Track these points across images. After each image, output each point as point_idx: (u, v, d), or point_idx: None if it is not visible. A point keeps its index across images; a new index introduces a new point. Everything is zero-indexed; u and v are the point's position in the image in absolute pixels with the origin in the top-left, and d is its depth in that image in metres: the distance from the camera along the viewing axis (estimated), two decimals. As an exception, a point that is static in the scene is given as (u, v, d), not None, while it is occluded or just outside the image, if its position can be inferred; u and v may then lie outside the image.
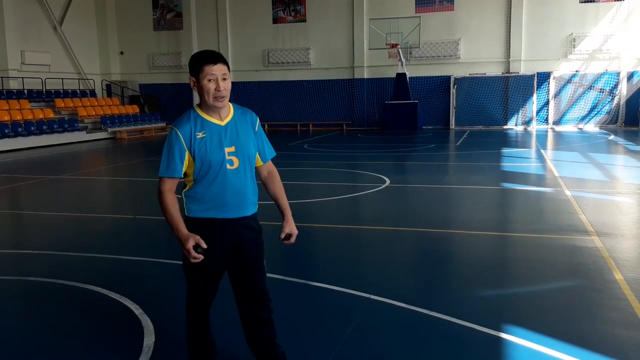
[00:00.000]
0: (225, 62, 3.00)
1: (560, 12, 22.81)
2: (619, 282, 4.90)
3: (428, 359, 3.62)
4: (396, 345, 3.81)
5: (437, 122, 24.47)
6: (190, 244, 2.87)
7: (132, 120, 24.81)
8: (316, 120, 25.77)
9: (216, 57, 2.97)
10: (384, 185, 10.01)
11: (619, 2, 22.11)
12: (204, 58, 2.97)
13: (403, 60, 23.33)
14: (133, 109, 26.13)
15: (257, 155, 3.19)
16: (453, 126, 24.08)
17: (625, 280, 4.92)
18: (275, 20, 26.44)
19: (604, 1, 22.33)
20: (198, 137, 2.98)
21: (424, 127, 23.95)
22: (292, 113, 26.01)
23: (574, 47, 22.82)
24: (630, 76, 22.49)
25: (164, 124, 26.39)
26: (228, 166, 3.01)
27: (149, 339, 3.91)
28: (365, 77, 25.31)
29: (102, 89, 27.98)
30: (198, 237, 2.90)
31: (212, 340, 3.40)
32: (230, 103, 3.10)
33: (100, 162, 16.27)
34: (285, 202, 3.27)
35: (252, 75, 26.66)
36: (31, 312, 4.59)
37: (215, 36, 26.97)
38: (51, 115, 21.54)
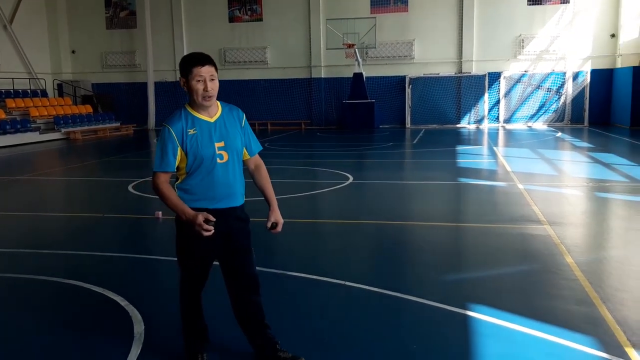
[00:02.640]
0: (213, 64, 3.23)
1: (509, 14, 23.71)
2: (570, 265, 5.35)
3: (405, 336, 3.92)
4: (375, 326, 4.11)
5: (393, 121, 25.03)
6: (201, 219, 3.07)
7: (85, 121, 24.37)
8: (274, 119, 25.93)
9: (204, 59, 3.19)
10: (347, 182, 10.34)
11: (565, 4, 23.17)
12: (193, 60, 3.18)
13: (360, 60, 23.77)
14: (86, 109, 25.66)
15: (245, 150, 3.42)
16: (409, 125, 24.68)
17: (575, 263, 5.38)
18: (231, 19, 26.46)
19: (550, 3, 23.35)
20: (189, 133, 3.20)
21: (380, 126, 24.47)
22: (250, 112, 25.99)
23: (523, 48, 23.77)
24: (575, 76, 23.58)
25: (119, 124, 26.05)
26: (218, 160, 3.23)
27: (139, 327, 4.09)
28: (323, 76, 25.64)
29: (54, 88, 27.35)
30: (205, 213, 3.11)
31: (205, 325, 3.60)
32: (217, 101, 3.32)
33: (57, 162, 16.00)
34: (271, 193, 3.51)
35: (209, 75, 26.56)
36: (17, 307, 4.68)
37: (170, 35, 26.78)
38: (2, 116, 20.97)
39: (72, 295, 4.89)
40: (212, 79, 3.19)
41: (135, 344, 3.83)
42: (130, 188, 10.10)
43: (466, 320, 4.14)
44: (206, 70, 3.16)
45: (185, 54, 23.47)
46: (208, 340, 3.61)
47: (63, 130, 22.70)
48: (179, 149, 3.19)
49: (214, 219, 3.10)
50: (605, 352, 3.56)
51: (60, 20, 27.52)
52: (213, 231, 3.11)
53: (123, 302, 4.59)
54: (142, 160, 15.80)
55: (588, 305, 4.35)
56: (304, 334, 3.98)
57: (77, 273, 5.39)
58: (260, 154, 3.52)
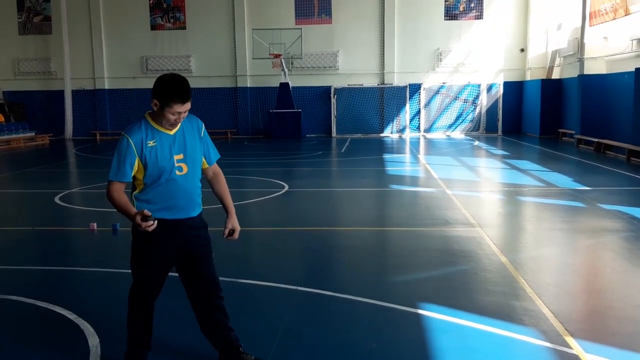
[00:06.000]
0: (191, 97, 3.19)
1: (427, 28, 24.74)
2: (504, 264, 5.73)
3: (362, 336, 4.08)
4: (331, 327, 4.25)
5: (319, 130, 25.38)
6: (138, 219, 3.06)
7: (-4, 130, 22.99)
8: (199, 128, 25.51)
9: (185, 96, 3.14)
10: (284, 190, 10.45)
11: (479, 20, 24.48)
12: (175, 95, 3.10)
13: (286, 70, 23.96)
14: (-3, 118, 24.22)
15: (204, 159, 3.47)
16: (334, 134, 25.11)
17: (509, 262, 5.76)
18: (154, 27, 25.92)
19: (465, 19, 24.59)
20: (149, 145, 3.21)
21: (307, 135, 24.74)
22: (174, 121, 25.54)
23: (441, 61, 24.85)
24: (489, 88, 24.93)
25: (33, 134, 24.75)
26: (177, 172, 3.27)
27: (93, 340, 4.00)
28: (249, 85, 25.61)
29: (-40, 96, 25.67)
30: (142, 210, 3.11)
31: (150, 333, 3.57)
32: None
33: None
34: (229, 201, 3.58)
35: (129, 82, 25.92)
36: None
37: (89, 41, 25.85)
38: None
39: (16, 311, 4.68)
40: (186, 112, 3.22)
41: (92, 357, 3.75)
42: (57, 200, 9.70)
43: (417, 318, 4.36)
44: (185, 107, 3.17)
45: (105, 61, 22.67)
46: (150, 348, 3.59)
47: (-28, 140, 21.31)
48: (137, 160, 3.19)
49: (150, 213, 3.07)
50: (547, 342, 3.87)
51: (-34, 24, 25.91)
52: (155, 223, 3.08)
53: (71, 315, 4.46)
54: (64, 171, 15.17)
55: (526, 300, 4.69)
56: (265, 338, 4.04)
57: (17, 288, 5.16)
58: None
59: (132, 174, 3.22)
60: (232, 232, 3.53)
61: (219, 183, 3.58)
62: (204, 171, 3.50)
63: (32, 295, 4.91)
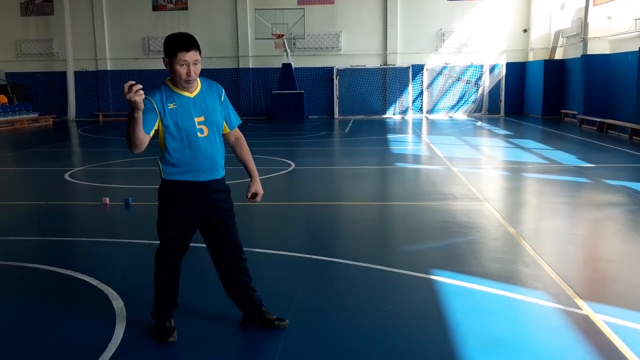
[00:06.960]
0: (198, 48, 3.27)
1: (430, 8, 24.65)
2: (512, 234, 5.86)
3: (378, 299, 4.22)
4: (348, 293, 4.38)
5: (321, 111, 25.41)
6: (125, 90, 2.97)
7: (0, 111, 23.02)
8: (202, 110, 25.53)
9: (190, 44, 3.23)
10: (291, 168, 10.55)
11: (481, 0, 24.37)
12: (179, 44, 3.21)
13: (288, 50, 23.92)
14: (0, 99, 24.22)
15: (225, 123, 3.56)
16: (337, 115, 25.14)
17: (517, 232, 5.89)
18: (155, 7, 25.83)
19: (468, -1, 24.53)
20: (170, 107, 3.30)
21: (310, 116, 24.77)
22: (177, 103, 25.54)
23: (443, 42, 24.80)
24: (492, 69, 24.91)
25: (36, 115, 24.79)
26: (199, 134, 3.36)
27: (118, 303, 4.13)
28: (251, 66, 25.59)
29: (-38, 77, 25.65)
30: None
31: (176, 293, 3.67)
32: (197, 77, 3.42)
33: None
34: (252, 165, 3.68)
35: (131, 64, 25.88)
36: (-20, 290, 4.56)
37: (90, 22, 25.77)
38: None
39: (39, 278, 4.81)
40: (196, 63, 3.26)
41: (118, 318, 3.88)
42: (67, 177, 9.81)
43: (430, 282, 4.49)
44: (191, 56, 3.23)
45: (107, 42, 22.62)
46: (176, 305, 3.70)
47: (-24, 121, 21.35)
48: (159, 118, 3.27)
49: (135, 82, 2.98)
50: (557, 303, 4.00)
51: (-33, 5, 25.80)
52: (140, 86, 2.96)
53: (94, 281, 4.58)
54: (70, 150, 15.26)
55: (535, 267, 4.82)
56: (282, 301, 4.16)
57: (36, 257, 5.30)
58: None
59: (153, 130, 3.27)
60: (254, 195, 3.63)
61: (242, 147, 3.66)
62: (225, 136, 3.58)
63: (52, 264, 5.04)
